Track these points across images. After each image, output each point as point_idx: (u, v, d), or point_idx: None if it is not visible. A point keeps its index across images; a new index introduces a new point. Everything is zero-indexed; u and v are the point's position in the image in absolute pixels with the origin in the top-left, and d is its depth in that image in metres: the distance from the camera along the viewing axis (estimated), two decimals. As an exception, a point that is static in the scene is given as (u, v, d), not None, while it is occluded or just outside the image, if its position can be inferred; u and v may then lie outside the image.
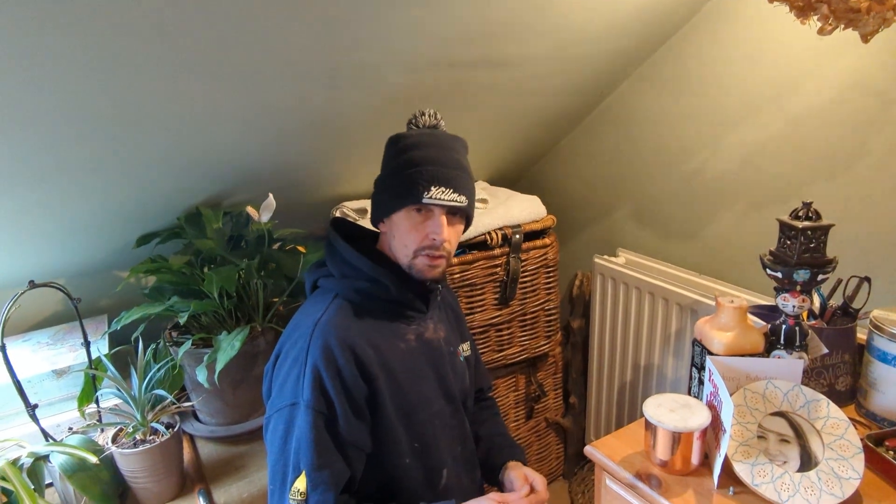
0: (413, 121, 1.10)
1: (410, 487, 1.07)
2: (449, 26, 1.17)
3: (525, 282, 1.74)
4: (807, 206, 0.88)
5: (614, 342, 1.81)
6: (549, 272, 1.78)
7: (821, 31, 0.81)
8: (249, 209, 1.32)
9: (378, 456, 1.04)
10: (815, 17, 0.78)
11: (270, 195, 1.32)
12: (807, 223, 0.87)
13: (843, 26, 0.76)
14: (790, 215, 0.90)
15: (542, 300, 1.79)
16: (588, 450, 0.98)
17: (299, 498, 0.95)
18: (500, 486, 1.19)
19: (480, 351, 1.72)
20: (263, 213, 1.31)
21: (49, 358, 1.42)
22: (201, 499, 1.31)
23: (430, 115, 1.09)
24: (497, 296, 1.71)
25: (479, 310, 1.70)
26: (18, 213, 1.22)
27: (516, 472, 1.14)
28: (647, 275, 1.66)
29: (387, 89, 1.32)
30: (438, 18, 1.13)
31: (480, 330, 1.72)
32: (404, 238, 1.05)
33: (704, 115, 1.54)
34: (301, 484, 0.95)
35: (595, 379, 1.92)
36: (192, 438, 1.52)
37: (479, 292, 1.69)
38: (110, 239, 1.46)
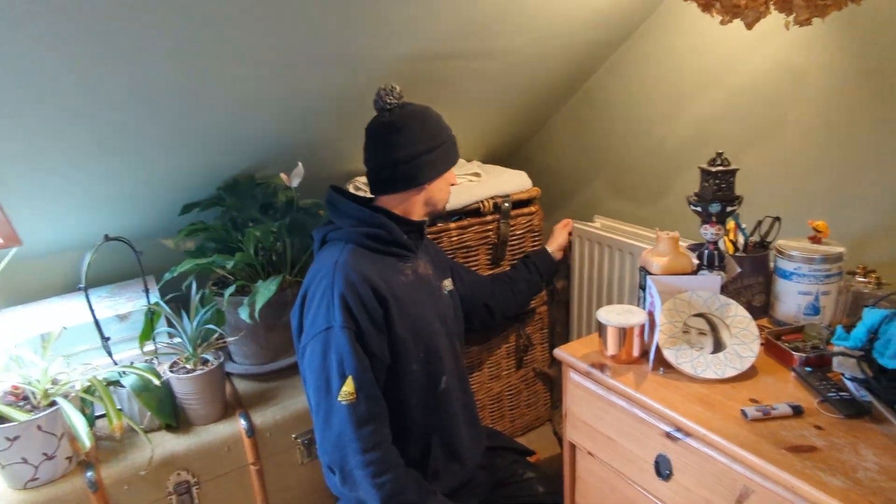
0: (392, 98, 1.28)
1: (416, 389, 1.30)
2: (444, 22, 1.41)
3: (514, 245, 1.98)
4: (719, 155, 1.15)
5: (591, 297, 2.07)
6: (534, 236, 2.03)
7: (722, 22, 1.07)
8: (283, 175, 1.56)
9: (392, 365, 1.26)
10: (714, 11, 1.05)
11: (300, 163, 1.56)
12: (719, 168, 1.14)
13: (731, 18, 1.03)
14: (708, 163, 1.17)
15: (528, 261, 2.05)
16: (557, 352, 1.24)
17: (351, 398, 1.13)
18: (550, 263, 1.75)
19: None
20: (294, 179, 1.55)
21: (111, 306, 1.66)
22: (242, 419, 1.56)
23: (397, 89, 1.30)
24: (489, 256, 1.96)
25: (473, 269, 1.96)
26: (104, 178, 1.47)
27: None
28: (619, 235, 1.92)
29: (393, 77, 1.56)
30: (435, 15, 1.37)
31: (475, 287, 1.97)
32: (446, 188, 1.38)
33: (664, 95, 1.80)
34: (349, 387, 1.14)
35: (576, 332, 2.19)
36: (229, 376, 1.77)
37: (473, 253, 1.94)
38: (162, 207, 1.70)
